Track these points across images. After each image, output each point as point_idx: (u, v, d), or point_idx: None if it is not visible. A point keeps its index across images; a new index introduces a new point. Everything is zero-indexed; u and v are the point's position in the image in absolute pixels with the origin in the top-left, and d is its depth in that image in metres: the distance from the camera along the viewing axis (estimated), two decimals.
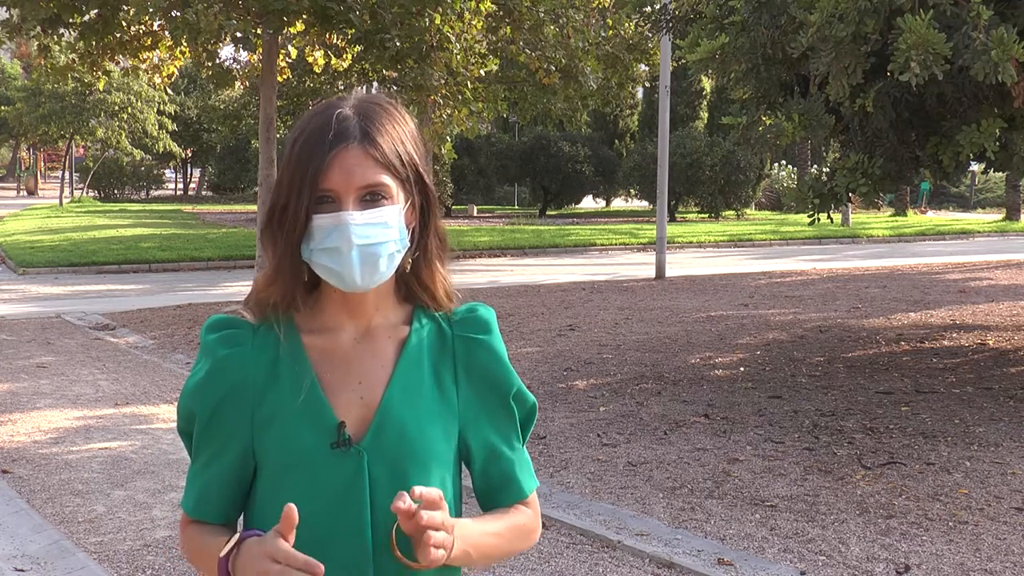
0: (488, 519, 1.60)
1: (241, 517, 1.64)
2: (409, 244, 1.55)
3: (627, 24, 19.61)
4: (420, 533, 1.40)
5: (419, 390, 1.57)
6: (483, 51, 14.46)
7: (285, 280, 1.54)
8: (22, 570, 4.70)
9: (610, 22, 19.48)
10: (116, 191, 44.55)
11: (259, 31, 12.24)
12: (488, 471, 1.63)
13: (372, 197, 1.50)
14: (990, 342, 10.19)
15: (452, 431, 1.59)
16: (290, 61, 15.32)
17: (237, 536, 1.48)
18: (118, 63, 15.18)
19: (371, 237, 1.48)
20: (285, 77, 16.14)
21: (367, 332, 1.58)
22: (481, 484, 1.65)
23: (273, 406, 1.54)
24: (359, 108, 1.53)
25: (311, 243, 1.50)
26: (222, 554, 1.48)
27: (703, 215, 34.09)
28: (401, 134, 1.55)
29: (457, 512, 1.63)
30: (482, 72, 14.89)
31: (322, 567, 1.37)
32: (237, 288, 15.40)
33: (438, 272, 1.61)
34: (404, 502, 1.39)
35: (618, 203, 43.42)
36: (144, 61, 14.44)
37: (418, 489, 1.40)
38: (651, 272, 17.04)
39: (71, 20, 12.73)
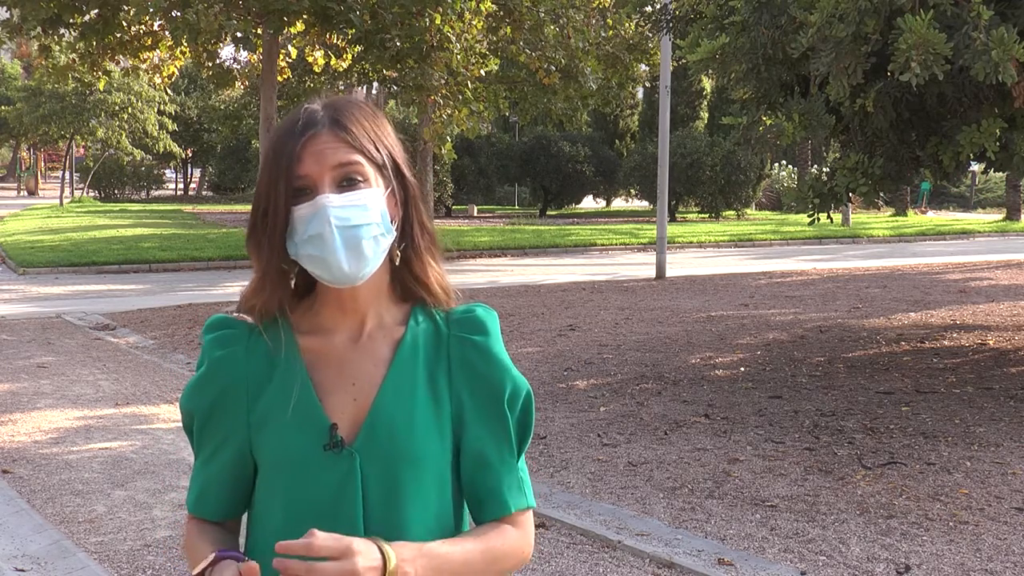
0: (460, 540, 1.54)
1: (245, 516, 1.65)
2: (395, 234, 1.55)
3: (627, 24, 19.62)
4: None
5: (412, 391, 1.56)
6: (483, 51, 14.47)
7: (272, 286, 1.54)
8: (23, 570, 4.70)
9: (610, 22, 19.49)
10: (116, 191, 44.57)
11: (259, 31, 12.25)
12: (475, 480, 1.59)
13: (348, 182, 1.50)
14: (990, 342, 10.19)
15: (446, 432, 1.57)
16: (290, 61, 15.33)
17: (213, 555, 1.48)
18: (118, 63, 15.19)
19: (351, 219, 1.47)
20: (285, 77, 16.16)
21: (362, 333, 1.58)
22: (468, 493, 1.60)
23: (267, 407, 1.54)
24: (328, 103, 1.55)
25: (295, 237, 1.49)
26: (195, 572, 1.48)
27: (703, 215, 34.10)
28: (373, 125, 1.55)
29: (458, 515, 1.61)
30: (482, 72, 14.91)
31: None
32: (237, 288, 15.35)
33: (430, 265, 1.60)
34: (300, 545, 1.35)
35: (618, 203, 43.43)
36: (144, 61, 14.46)
37: (309, 540, 1.35)
38: (651, 272, 17.04)
39: (71, 20, 12.75)
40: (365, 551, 1.38)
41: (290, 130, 1.51)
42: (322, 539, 1.36)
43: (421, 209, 1.60)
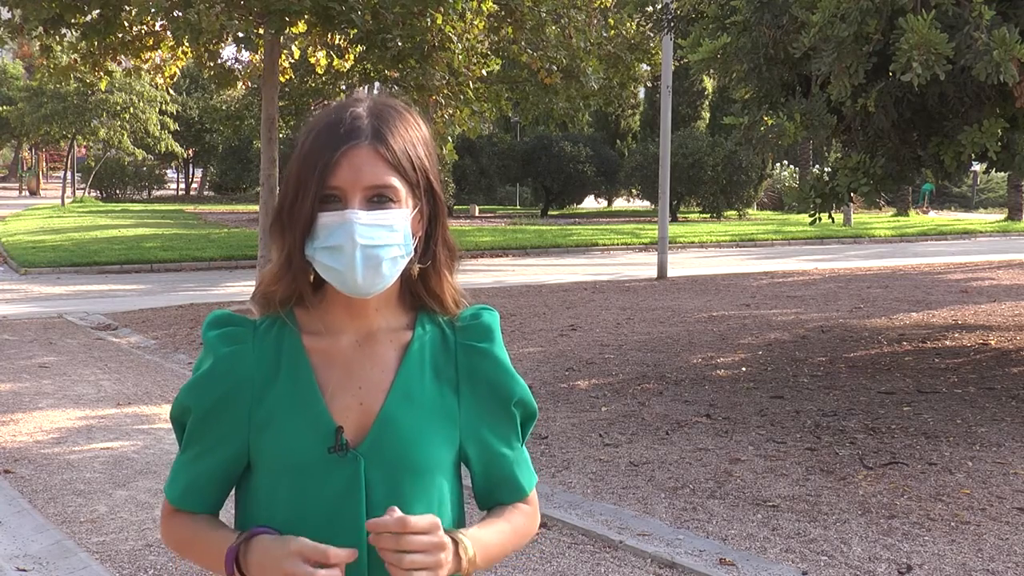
0: (493, 523, 1.61)
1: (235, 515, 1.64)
2: (414, 252, 1.54)
3: (629, 24, 19.60)
4: (394, 557, 1.42)
5: (420, 397, 1.56)
6: (485, 51, 14.45)
7: (293, 275, 1.53)
8: (24, 570, 4.70)
9: (612, 22, 19.46)
10: (118, 191, 44.59)
11: (261, 31, 12.24)
12: (488, 472, 1.63)
13: (379, 199, 1.49)
14: (992, 342, 10.19)
15: (453, 438, 1.58)
16: (292, 61, 15.32)
17: (249, 531, 1.49)
18: (120, 63, 15.18)
19: (375, 239, 1.47)
20: (287, 77, 16.15)
21: (369, 336, 1.57)
22: (481, 484, 1.64)
23: (271, 406, 1.54)
24: (373, 109, 1.53)
25: (315, 241, 1.49)
26: (231, 544, 1.48)
27: (705, 215, 34.09)
28: (414, 138, 1.54)
29: (459, 516, 1.63)
30: (484, 72, 14.88)
31: (356, 552, 1.44)
32: (239, 288, 15.41)
33: (447, 281, 1.60)
34: (392, 515, 1.42)
35: (620, 203, 43.43)
36: (146, 61, 14.43)
37: (403, 516, 1.42)
38: (653, 272, 17.04)
39: (73, 20, 12.74)
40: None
41: (332, 135, 1.50)
42: (413, 516, 1.43)
43: (446, 225, 1.61)
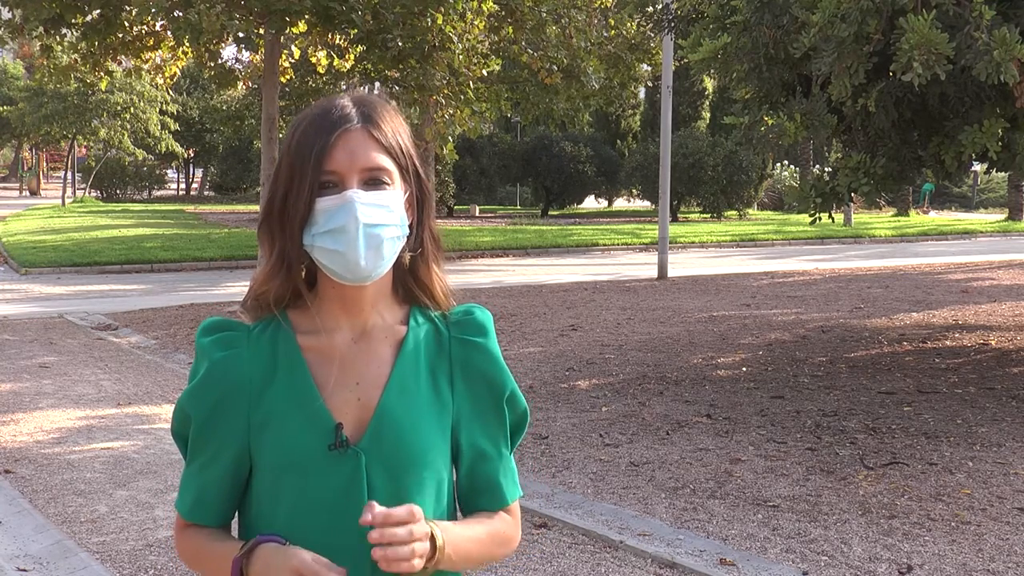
0: (470, 523, 1.60)
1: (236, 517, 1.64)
2: (408, 235, 1.56)
3: (629, 24, 19.62)
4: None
5: (416, 391, 1.57)
6: (485, 51, 14.45)
7: (288, 269, 1.54)
8: (25, 570, 4.71)
9: (612, 22, 19.49)
10: (118, 191, 44.60)
11: (261, 31, 12.25)
12: (473, 473, 1.62)
13: (374, 181, 1.51)
14: (992, 342, 10.19)
15: (447, 432, 1.59)
16: (292, 61, 15.33)
17: (254, 540, 1.49)
18: (120, 63, 15.19)
19: (375, 218, 1.48)
20: (288, 78, 16.15)
21: (364, 332, 1.58)
22: (465, 486, 1.64)
23: (269, 407, 1.54)
24: (357, 99, 1.57)
25: (314, 228, 1.49)
26: (236, 555, 1.48)
27: (705, 215, 34.09)
28: (398, 126, 1.57)
29: (452, 511, 1.64)
30: (484, 72, 14.88)
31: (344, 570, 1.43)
32: (239, 288, 15.40)
33: (435, 271, 1.61)
34: (371, 512, 1.42)
35: (620, 203, 43.44)
36: (146, 61, 14.45)
37: (379, 509, 1.42)
38: (653, 272, 17.04)
39: (73, 20, 12.75)
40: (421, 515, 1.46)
41: (323, 122, 1.52)
42: (394, 508, 1.43)
43: (432, 215, 1.63)
